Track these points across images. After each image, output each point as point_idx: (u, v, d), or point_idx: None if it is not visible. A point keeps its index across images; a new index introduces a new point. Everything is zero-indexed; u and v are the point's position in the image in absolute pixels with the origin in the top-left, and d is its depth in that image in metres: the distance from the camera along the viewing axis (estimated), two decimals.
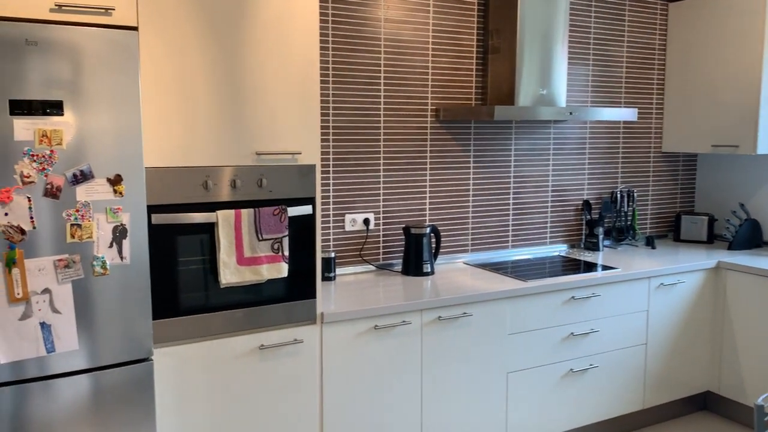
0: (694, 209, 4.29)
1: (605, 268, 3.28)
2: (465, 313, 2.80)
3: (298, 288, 2.43)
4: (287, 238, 2.34)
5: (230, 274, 2.25)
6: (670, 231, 4.20)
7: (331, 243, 3.11)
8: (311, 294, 2.46)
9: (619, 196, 3.89)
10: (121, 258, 2.08)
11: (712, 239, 4.00)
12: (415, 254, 3.11)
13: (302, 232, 2.41)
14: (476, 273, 3.19)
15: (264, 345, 2.38)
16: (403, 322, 2.66)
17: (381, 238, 3.23)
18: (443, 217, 3.39)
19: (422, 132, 3.27)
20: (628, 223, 3.97)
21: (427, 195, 3.33)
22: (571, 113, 3.13)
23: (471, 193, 3.46)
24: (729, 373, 3.52)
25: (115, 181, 2.05)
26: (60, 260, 1.98)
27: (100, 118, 2.01)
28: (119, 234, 2.07)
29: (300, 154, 2.37)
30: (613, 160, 3.92)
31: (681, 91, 3.96)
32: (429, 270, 3.12)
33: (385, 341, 2.63)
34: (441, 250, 3.39)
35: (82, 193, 2.00)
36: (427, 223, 3.34)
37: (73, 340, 2.02)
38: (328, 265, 2.99)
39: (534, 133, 3.61)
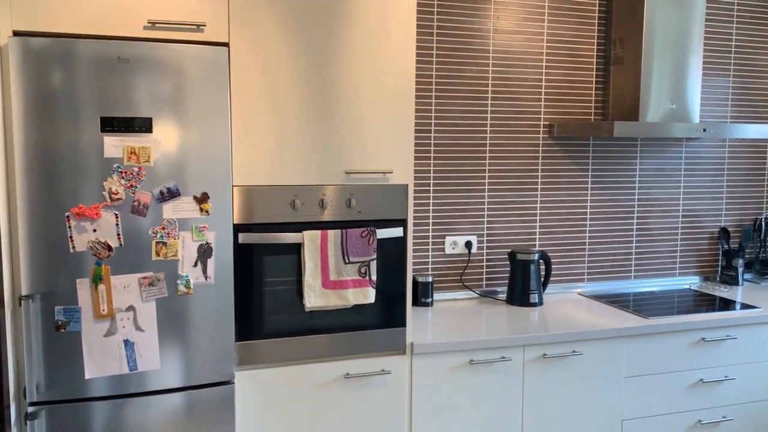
0: None
1: (744, 306, 2.86)
2: (575, 352, 2.52)
3: (386, 315, 2.29)
4: (375, 261, 2.20)
5: (315, 297, 2.15)
6: None
7: (430, 266, 2.94)
8: (401, 322, 2.31)
9: (764, 224, 3.41)
10: (206, 277, 2.04)
11: None
12: (522, 282, 2.86)
13: (392, 255, 2.27)
14: (591, 305, 2.89)
15: (349, 374, 2.26)
16: (503, 358, 2.43)
17: (484, 263, 3.01)
18: (555, 242, 3.12)
19: (533, 149, 3.03)
20: None
21: (537, 217, 3.08)
22: (704, 130, 2.76)
23: (588, 216, 3.16)
24: None
25: (202, 199, 2.01)
26: (145, 278, 1.97)
27: (189, 136, 1.98)
28: (204, 253, 2.03)
29: (391, 173, 2.24)
30: (757, 184, 3.44)
31: None
32: (536, 300, 2.87)
33: (481, 378, 2.42)
34: (552, 279, 3.11)
35: (169, 210, 1.98)
36: (537, 249, 3.08)
37: (155, 359, 2.00)
38: (426, 290, 2.82)
39: (663, 151, 3.25)
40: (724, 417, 2.78)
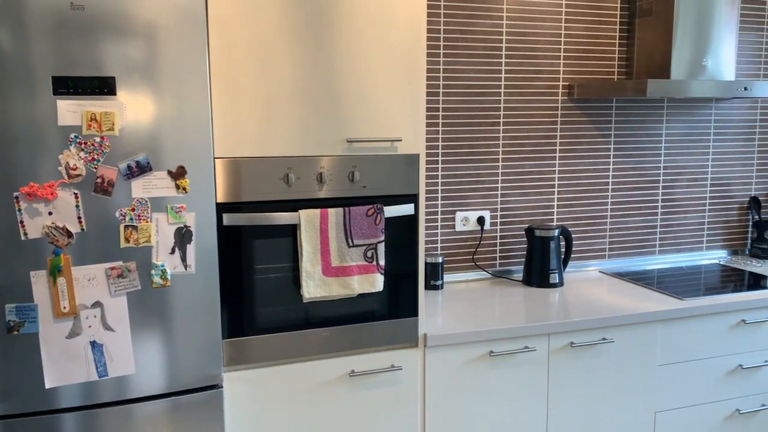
0: None
1: None
2: (604, 339, 2.25)
3: (396, 304, 2.00)
4: (383, 243, 1.91)
5: (314, 286, 1.85)
6: None
7: (439, 245, 2.65)
8: (412, 312, 2.02)
9: None
10: (185, 266, 1.74)
11: None
12: (540, 261, 2.58)
13: (402, 236, 1.97)
14: (615, 285, 2.61)
15: (355, 371, 1.98)
16: (526, 348, 2.16)
17: (498, 241, 2.73)
18: (575, 216, 2.83)
19: (551, 113, 2.73)
20: None
21: (556, 190, 2.78)
22: (745, 88, 2.46)
23: (610, 187, 2.87)
24: None
25: (178, 174, 1.70)
26: (113, 268, 1.66)
27: (161, 99, 1.66)
28: (183, 237, 1.72)
29: (400, 141, 1.93)
30: None
31: None
32: (557, 281, 2.59)
33: (502, 371, 2.15)
34: (572, 256, 2.84)
35: (138, 188, 1.67)
36: (555, 224, 2.79)
37: (129, 363, 1.71)
38: (435, 271, 2.53)
39: (691, 114, 2.95)
40: (763, 405, 2.53)
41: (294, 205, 1.85)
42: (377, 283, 1.91)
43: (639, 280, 2.66)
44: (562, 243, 2.72)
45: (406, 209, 1.95)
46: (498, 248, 2.73)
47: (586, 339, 2.23)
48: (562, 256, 2.68)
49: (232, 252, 1.82)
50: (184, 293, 1.74)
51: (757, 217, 3.09)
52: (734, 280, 2.68)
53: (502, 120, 2.65)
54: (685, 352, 2.38)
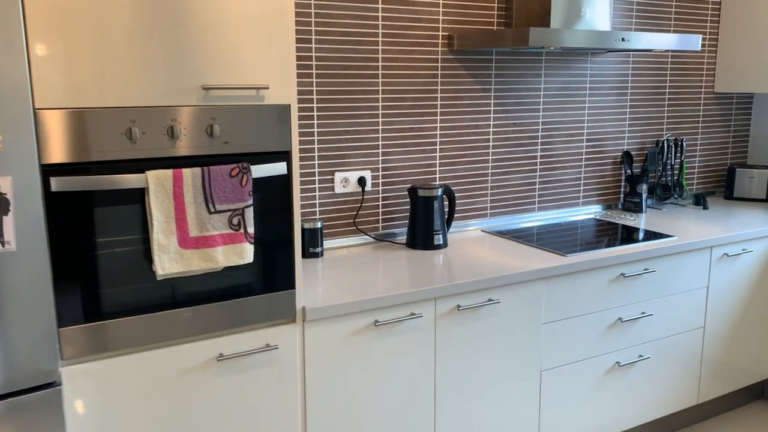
0: (747, 162, 3.63)
1: (658, 235, 2.63)
2: (491, 300, 2.16)
3: (270, 276, 1.77)
4: (251, 208, 1.67)
5: (169, 261, 1.58)
6: (719, 188, 3.55)
7: (317, 209, 2.44)
8: (289, 284, 1.81)
9: (665, 146, 3.22)
10: (2, 243, 1.41)
11: None
12: (424, 222, 2.45)
13: (274, 199, 1.74)
14: (498, 243, 2.54)
15: (223, 354, 1.74)
16: (412, 315, 2.02)
17: (380, 202, 2.56)
18: (457, 174, 2.72)
19: (431, 66, 2.57)
20: (675, 178, 3.32)
21: (438, 147, 2.65)
22: (623, 39, 2.43)
23: (491, 144, 2.78)
24: None
25: None
26: None
27: None
28: None
29: (267, 89, 1.68)
30: (658, 104, 3.23)
31: (742, 14, 3.25)
32: (441, 242, 2.47)
33: (388, 340, 2.00)
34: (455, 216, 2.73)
35: None
36: (439, 183, 2.67)
37: None
38: (314, 237, 2.33)
39: (568, 68, 2.91)
40: (640, 356, 2.58)
41: (141, 166, 1.56)
42: (246, 253, 1.67)
43: (520, 238, 2.61)
44: (446, 203, 2.60)
45: (278, 168, 1.72)
46: (380, 210, 2.56)
47: (472, 301, 2.13)
48: (446, 216, 2.56)
49: (65, 224, 1.50)
50: (4, 276, 1.42)
51: (629, 171, 3.14)
52: (610, 234, 2.69)
53: (380, 72, 2.46)
54: (569, 308, 2.35)
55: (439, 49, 2.57)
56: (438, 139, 2.64)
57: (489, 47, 2.45)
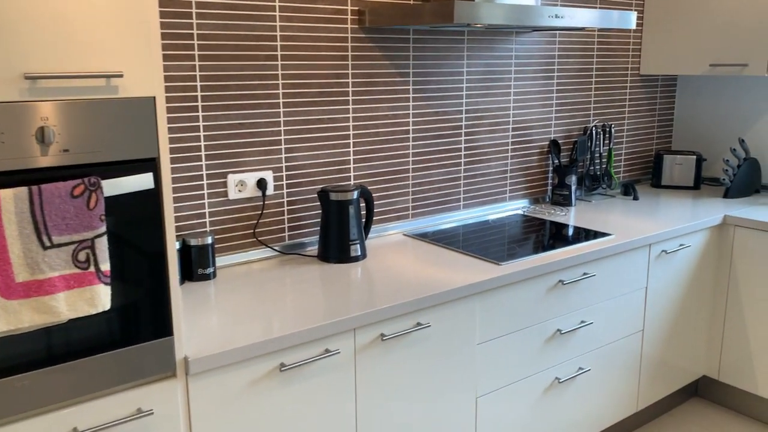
0: (671, 147, 3.49)
1: (594, 234, 2.39)
2: (419, 324, 1.84)
3: (136, 323, 1.36)
4: (104, 237, 1.24)
5: None
6: (644, 176, 3.39)
7: (207, 220, 2.02)
8: (164, 330, 1.40)
9: (593, 133, 3.00)
10: None
11: (699, 184, 3.22)
12: (338, 231, 2.08)
13: (138, 221, 1.32)
14: (423, 250, 2.21)
15: (78, 430, 1.32)
16: (327, 352, 1.66)
17: (285, 208, 2.17)
18: (374, 171, 2.37)
19: (340, 46, 2.19)
20: (603, 167, 3.11)
21: (351, 141, 2.28)
22: (557, 16, 2.14)
23: (411, 136, 2.44)
24: (731, 355, 2.79)
25: None
26: None
27: None
28: None
29: (121, 76, 1.25)
30: (585, 87, 3.00)
31: None
32: (359, 253, 2.12)
33: (298, 387, 1.63)
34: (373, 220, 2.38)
35: None
36: (354, 183, 2.31)
37: None
38: (203, 256, 1.91)
39: (492, 48, 2.61)
40: (580, 369, 2.34)
41: None
42: (100, 299, 1.24)
43: (446, 242, 2.30)
44: (363, 206, 2.25)
45: (141, 181, 1.30)
46: (286, 218, 2.18)
47: (398, 327, 1.79)
48: (364, 222, 2.21)
49: None
50: None
51: (557, 161, 2.89)
52: (541, 233, 2.43)
53: (279, 53, 2.06)
54: (505, 324, 2.06)
55: (349, 26, 2.19)
56: (351, 132, 2.27)
57: (406, 24, 2.10)
